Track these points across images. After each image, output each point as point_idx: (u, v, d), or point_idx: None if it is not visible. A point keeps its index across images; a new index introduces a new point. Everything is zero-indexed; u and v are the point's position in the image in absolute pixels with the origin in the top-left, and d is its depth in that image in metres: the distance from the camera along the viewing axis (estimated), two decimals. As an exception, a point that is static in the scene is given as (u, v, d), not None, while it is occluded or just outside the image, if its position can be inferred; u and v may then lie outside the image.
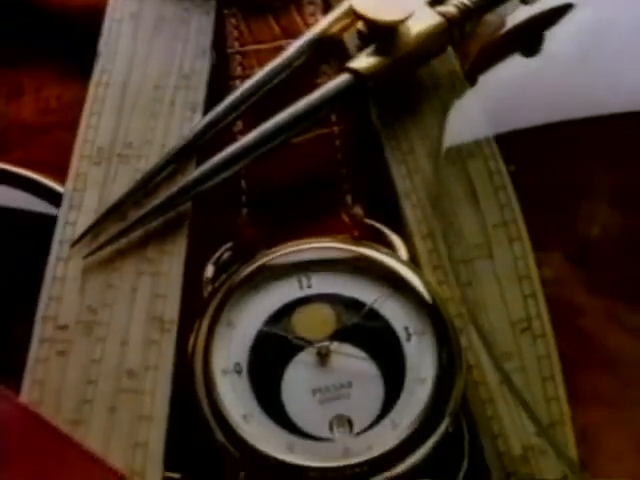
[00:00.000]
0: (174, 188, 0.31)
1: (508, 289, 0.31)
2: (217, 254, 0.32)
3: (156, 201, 0.31)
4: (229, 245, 0.32)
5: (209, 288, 0.31)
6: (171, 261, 0.31)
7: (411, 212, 0.33)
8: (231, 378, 0.29)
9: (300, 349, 0.30)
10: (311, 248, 0.31)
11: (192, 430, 0.29)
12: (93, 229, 0.31)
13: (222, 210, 0.33)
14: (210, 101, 0.34)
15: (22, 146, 0.35)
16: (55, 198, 0.32)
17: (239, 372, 0.29)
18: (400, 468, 0.28)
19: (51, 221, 0.32)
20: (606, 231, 0.34)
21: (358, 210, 0.33)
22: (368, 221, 0.33)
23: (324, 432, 0.28)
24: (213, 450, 0.28)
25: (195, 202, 0.32)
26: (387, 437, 0.28)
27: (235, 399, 0.29)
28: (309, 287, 0.31)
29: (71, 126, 0.34)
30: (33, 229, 0.33)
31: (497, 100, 0.35)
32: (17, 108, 0.36)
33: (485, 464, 0.29)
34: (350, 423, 0.29)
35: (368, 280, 0.31)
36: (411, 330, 0.30)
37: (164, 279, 0.30)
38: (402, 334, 0.30)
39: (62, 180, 0.33)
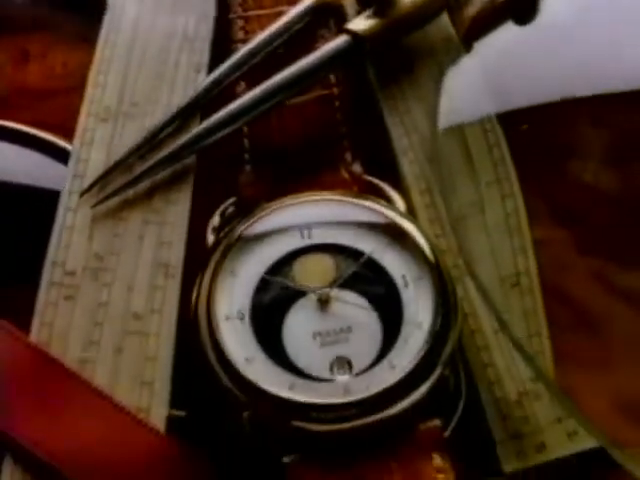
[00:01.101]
0: (179, 142, 0.32)
1: (499, 244, 0.32)
2: (221, 208, 0.33)
3: (162, 154, 0.32)
4: (232, 200, 0.33)
5: (213, 238, 0.32)
6: (176, 211, 0.32)
7: (409, 168, 0.34)
8: (234, 323, 0.30)
9: (301, 296, 0.30)
10: (312, 200, 0.32)
11: (196, 372, 0.30)
12: (101, 180, 0.32)
13: (226, 168, 0.34)
14: (213, 64, 0.35)
15: (29, 109, 0.36)
16: (63, 156, 0.33)
17: (242, 318, 0.30)
18: (399, 407, 0.29)
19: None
20: (598, 191, 0.35)
21: (357, 167, 0.34)
22: (367, 177, 0.34)
23: (324, 373, 0.29)
24: (217, 392, 0.29)
25: (200, 159, 0.33)
26: (386, 377, 0.29)
27: (238, 343, 0.29)
28: (309, 238, 0.32)
29: (77, 91, 0.35)
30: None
31: (492, 66, 0.36)
32: (23, 74, 0.38)
33: (481, 407, 0.30)
34: (349, 365, 0.30)
35: (367, 231, 0.32)
36: (408, 278, 0.31)
37: (169, 228, 0.31)
38: (400, 281, 0.31)
39: (69, 140, 0.34)
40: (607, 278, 0.32)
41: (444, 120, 0.34)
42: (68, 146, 0.33)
